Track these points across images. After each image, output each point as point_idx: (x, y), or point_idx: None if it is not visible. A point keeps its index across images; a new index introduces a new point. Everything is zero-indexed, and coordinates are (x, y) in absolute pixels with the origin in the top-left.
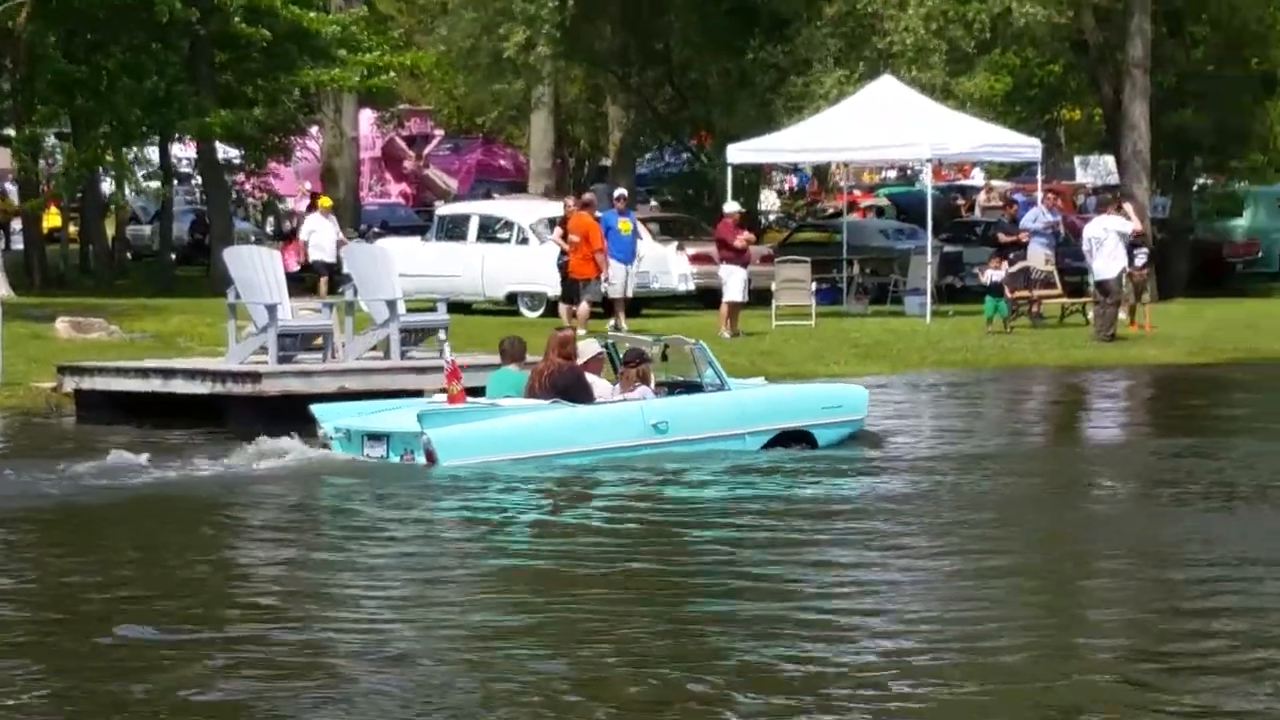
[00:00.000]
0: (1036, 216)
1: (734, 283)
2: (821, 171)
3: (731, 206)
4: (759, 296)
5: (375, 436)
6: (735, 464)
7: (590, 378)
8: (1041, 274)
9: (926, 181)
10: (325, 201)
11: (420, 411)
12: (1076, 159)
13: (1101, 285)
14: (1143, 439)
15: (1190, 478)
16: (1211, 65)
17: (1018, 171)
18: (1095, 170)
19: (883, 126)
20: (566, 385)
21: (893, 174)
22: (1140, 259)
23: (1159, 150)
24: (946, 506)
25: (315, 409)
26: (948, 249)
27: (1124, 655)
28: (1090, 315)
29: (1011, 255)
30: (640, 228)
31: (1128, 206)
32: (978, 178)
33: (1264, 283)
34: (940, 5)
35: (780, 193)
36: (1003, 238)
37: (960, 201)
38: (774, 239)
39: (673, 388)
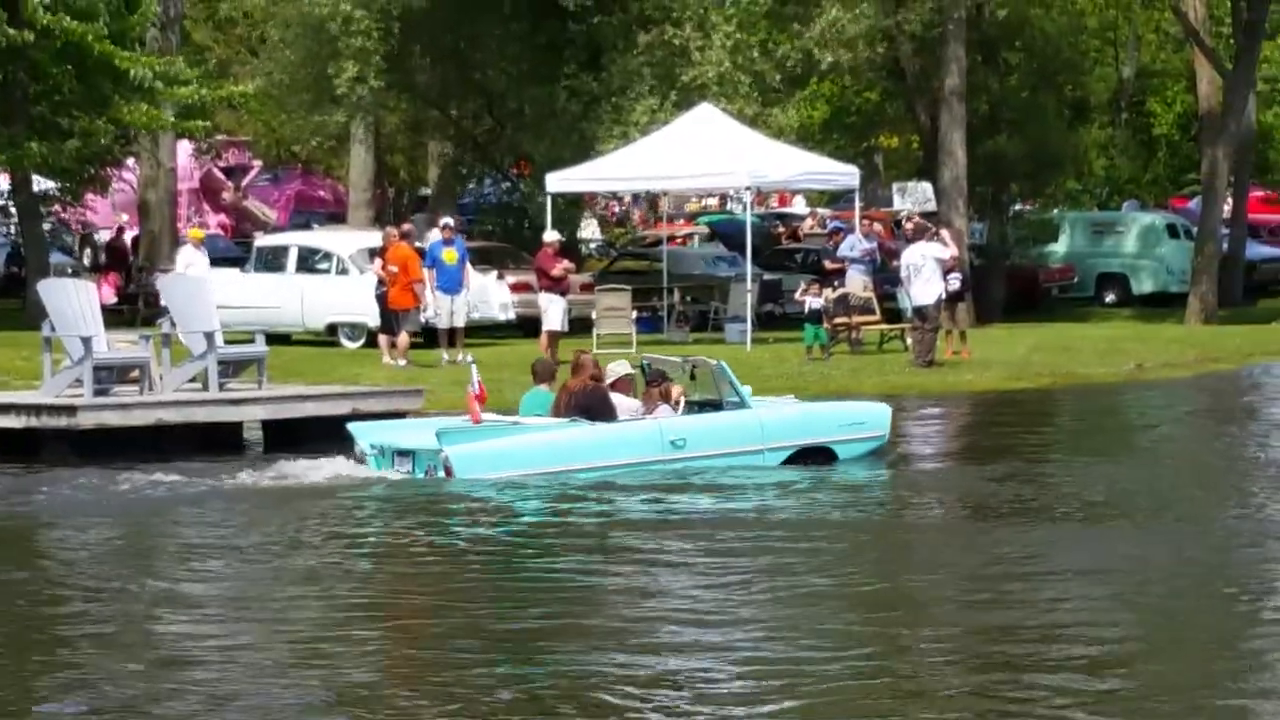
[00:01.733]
0: (854, 244)
1: (553, 311)
2: (653, 198)
3: (551, 235)
4: (580, 325)
5: (403, 453)
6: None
7: (616, 397)
8: (860, 300)
9: (746, 209)
10: (197, 233)
11: (439, 429)
12: (894, 186)
13: (919, 311)
14: (960, 464)
15: (1010, 500)
16: (1026, 92)
17: (836, 199)
18: (913, 197)
19: (702, 155)
20: (590, 404)
21: (713, 202)
22: (955, 284)
23: (975, 177)
24: (762, 527)
25: (351, 427)
26: (768, 276)
27: (937, 668)
28: (909, 341)
29: (835, 283)
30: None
31: (944, 233)
32: (799, 205)
33: (1079, 307)
34: (746, 39)
35: (605, 221)
36: (828, 264)
37: (780, 229)
38: (594, 267)
39: (699, 406)
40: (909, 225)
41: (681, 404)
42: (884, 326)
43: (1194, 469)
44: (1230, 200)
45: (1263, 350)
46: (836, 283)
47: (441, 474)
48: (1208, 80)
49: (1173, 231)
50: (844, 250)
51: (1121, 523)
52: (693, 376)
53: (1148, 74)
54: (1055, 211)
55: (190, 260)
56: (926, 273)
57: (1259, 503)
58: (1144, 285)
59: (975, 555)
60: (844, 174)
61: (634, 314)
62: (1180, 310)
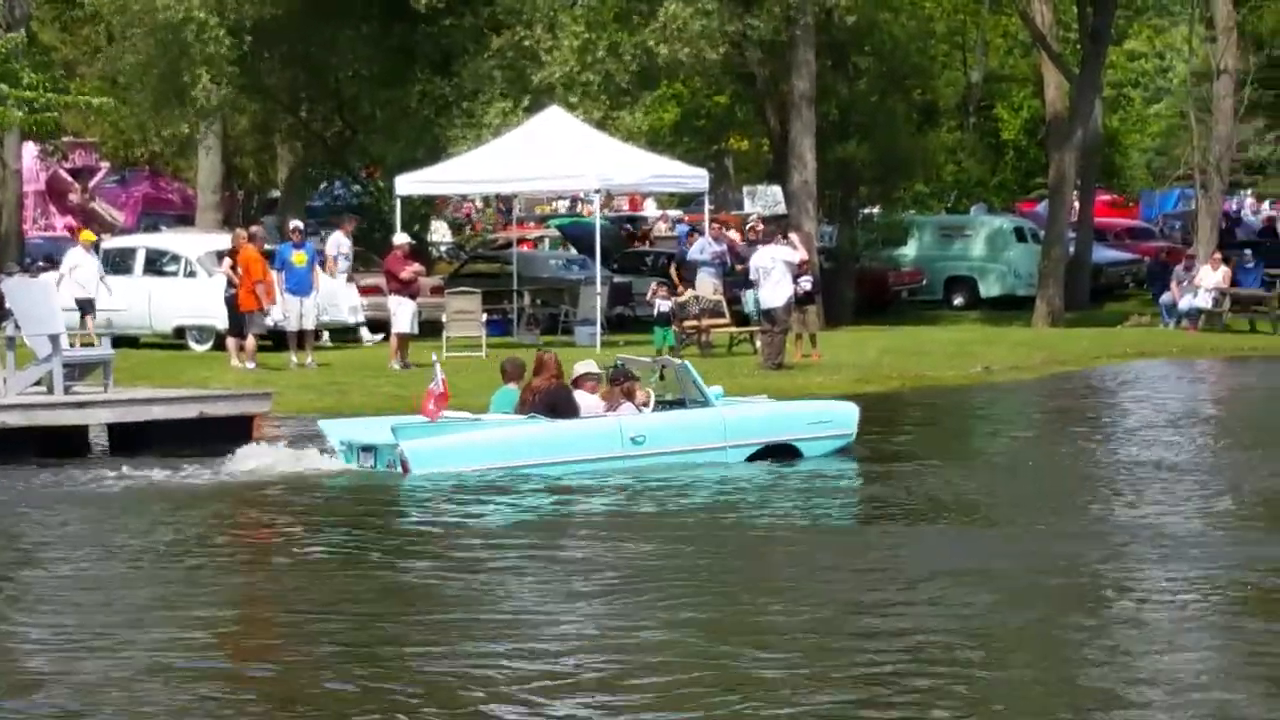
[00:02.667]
0: (703, 247)
1: (402, 314)
2: (507, 201)
3: (400, 238)
4: (430, 328)
5: (366, 448)
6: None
7: (580, 395)
8: (709, 303)
9: (595, 212)
10: (88, 236)
11: (394, 425)
12: (745, 189)
13: (768, 314)
14: (808, 467)
15: (859, 503)
16: (875, 97)
17: (687, 202)
18: (763, 200)
19: (551, 157)
20: (553, 402)
21: (564, 205)
22: (806, 286)
23: (825, 180)
24: (612, 529)
25: (321, 424)
26: (618, 279)
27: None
28: (758, 344)
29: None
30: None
31: (794, 236)
32: (649, 208)
33: (928, 310)
34: (594, 39)
35: (456, 224)
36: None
37: (631, 231)
38: (445, 270)
39: (667, 406)
40: (757, 229)
41: (650, 404)
42: (734, 329)
43: (1041, 471)
44: (1077, 204)
45: (1108, 353)
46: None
47: (399, 469)
48: (1054, 85)
49: (1020, 235)
50: (694, 253)
51: (968, 524)
52: (661, 377)
53: (995, 79)
54: (904, 215)
55: (77, 262)
56: (776, 275)
57: (1105, 504)
58: (992, 288)
59: (823, 556)
60: (693, 177)
61: (484, 317)
62: (1027, 313)
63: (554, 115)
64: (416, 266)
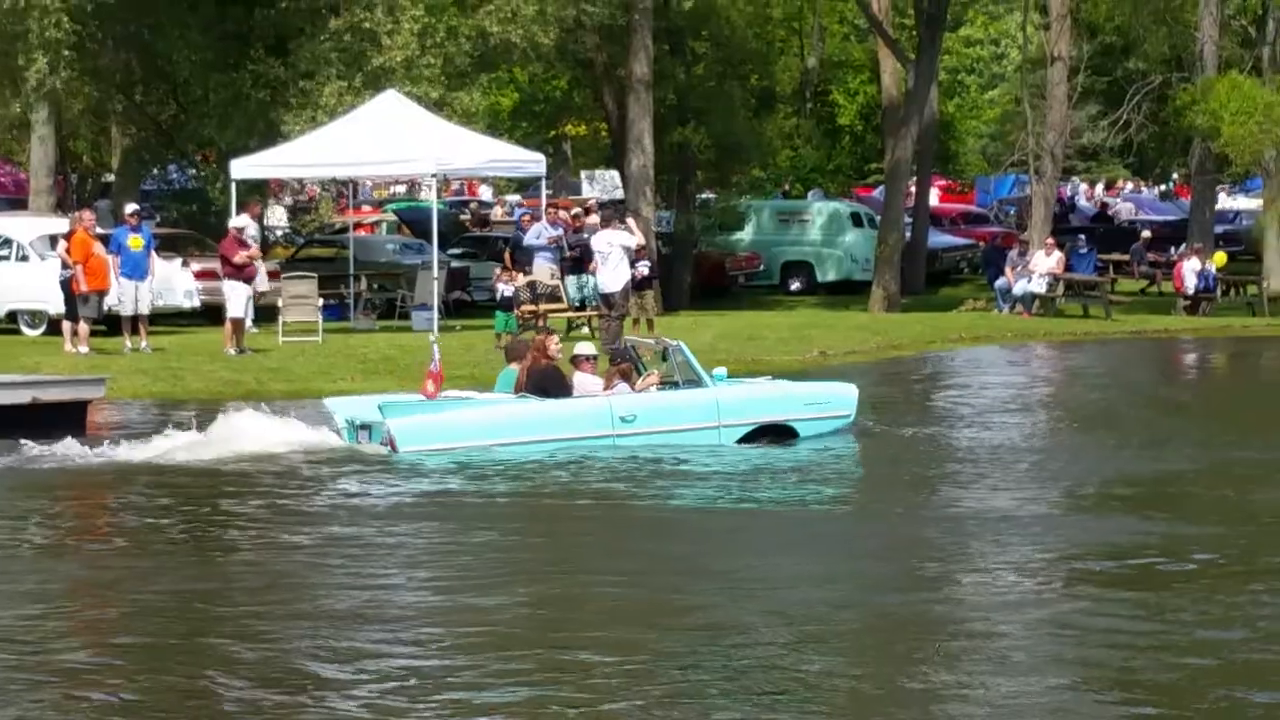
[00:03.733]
0: (540, 232)
1: (236, 299)
2: (348, 185)
3: (236, 222)
4: (265, 312)
5: (364, 426)
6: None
7: (580, 376)
8: (547, 288)
9: (432, 197)
10: None
11: (382, 403)
12: (583, 174)
13: (607, 299)
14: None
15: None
16: (712, 82)
17: (525, 186)
18: (601, 185)
19: (389, 141)
20: (545, 383)
21: (401, 189)
22: (644, 271)
23: (663, 165)
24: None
25: (327, 402)
26: (455, 264)
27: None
28: (596, 328)
29: (526, 269)
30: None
31: (631, 221)
32: (486, 193)
33: (765, 295)
34: (434, 23)
35: (294, 208)
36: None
37: (466, 216)
38: (281, 255)
39: (672, 387)
40: (593, 213)
41: (654, 386)
42: (571, 314)
43: (875, 457)
44: (913, 189)
45: (943, 337)
46: (527, 269)
47: (389, 447)
48: (890, 71)
49: (857, 220)
50: (530, 238)
51: (794, 509)
52: (664, 358)
53: (832, 65)
54: (742, 200)
55: None
56: (614, 260)
57: (931, 488)
58: (829, 273)
59: (662, 542)
60: (531, 161)
61: (320, 302)
62: (864, 298)
63: (391, 99)
64: (252, 250)
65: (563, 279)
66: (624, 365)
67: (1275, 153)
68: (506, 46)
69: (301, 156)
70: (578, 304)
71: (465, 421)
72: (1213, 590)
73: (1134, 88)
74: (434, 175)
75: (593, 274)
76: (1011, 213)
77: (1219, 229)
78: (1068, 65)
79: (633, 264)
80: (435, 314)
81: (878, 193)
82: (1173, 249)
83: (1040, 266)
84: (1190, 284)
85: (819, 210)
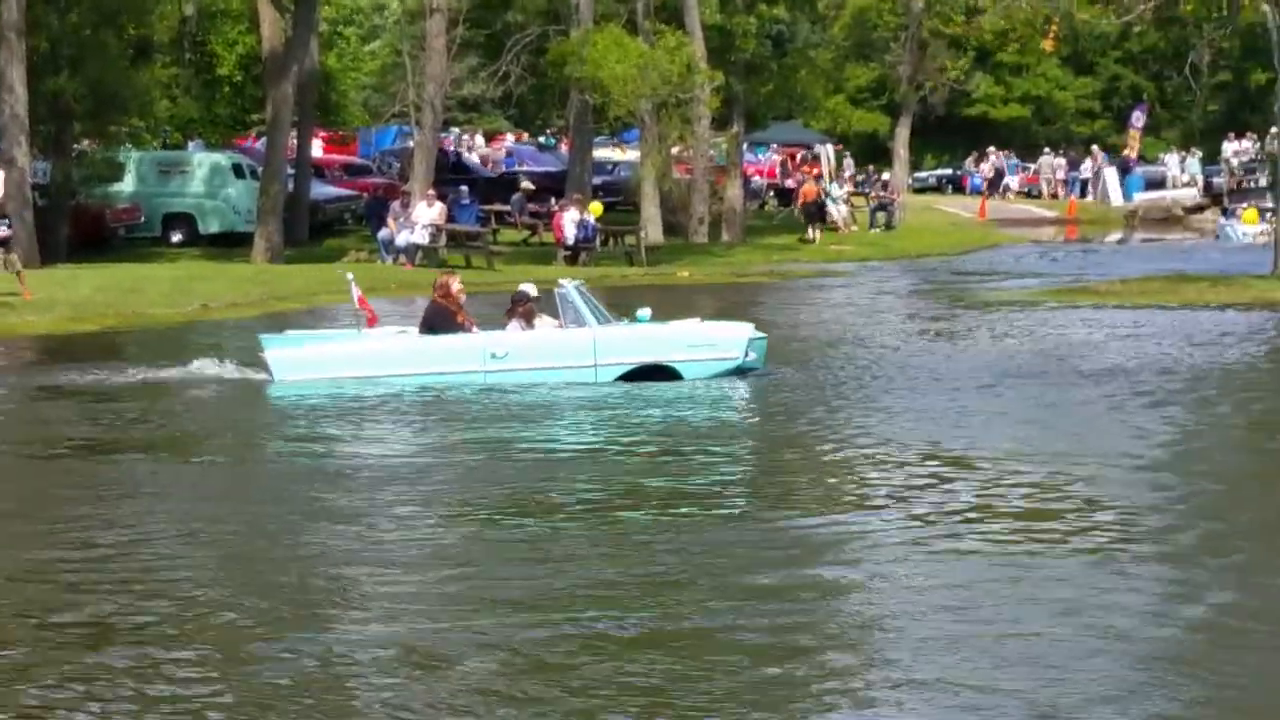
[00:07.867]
0: None
1: None
2: None
3: None
4: None
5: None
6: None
7: (516, 324)
8: None
9: None
10: None
11: (261, 335)
12: None
13: None
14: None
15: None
16: (87, 30)
17: None
18: None
19: None
20: (433, 320)
21: None
22: (3, 231)
23: (38, 115)
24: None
25: (261, 337)
26: None
27: None
28: None
29: None
30: None
31: None
32: None
33: (147, 247)
34: None
35: None
36: None
37: None
38: None
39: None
40: None
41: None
42: None
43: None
44: (295, 141)
45: (326, 290)
46: None
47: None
48: (270, 21)
49: (239, 172)
50: None
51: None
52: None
53: (210, 14)
54: (120, 151)
55: None
56: None
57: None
58: (211, 225)
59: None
60: None
61: None
62: (248, 249)
63: None
64: None
65: None
66: (525, 306)
67: (651, 105)
68: None
69: None
70: None
71: (339, 354)
72: None
73: (512, 40)
74: None
75: None
76: (394, 164)
77: (598, 180)
78: (446, 17)
79: None
80: None
81: (259, 144)
82: (553, 200)
83: (422, 218)
84: (570, 234)
85: (200, 161)
